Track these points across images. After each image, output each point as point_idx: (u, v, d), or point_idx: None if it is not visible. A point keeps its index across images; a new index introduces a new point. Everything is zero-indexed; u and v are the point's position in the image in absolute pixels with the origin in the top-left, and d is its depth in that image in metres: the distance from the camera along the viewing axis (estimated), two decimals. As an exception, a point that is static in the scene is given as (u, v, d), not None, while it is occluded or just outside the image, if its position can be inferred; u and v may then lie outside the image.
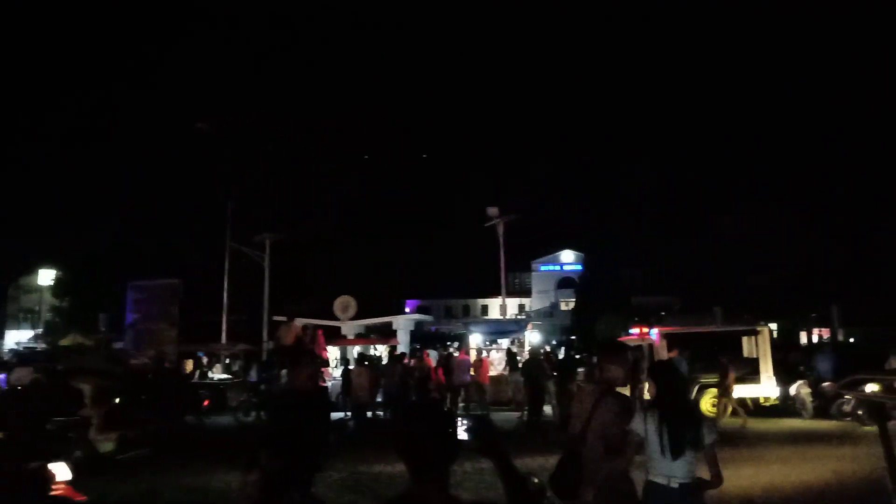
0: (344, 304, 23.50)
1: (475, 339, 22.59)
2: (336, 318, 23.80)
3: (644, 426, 4.10)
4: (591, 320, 34.23)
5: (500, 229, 24.98)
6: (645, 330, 17.45)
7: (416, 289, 56.56)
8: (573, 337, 27.30)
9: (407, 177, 66.50)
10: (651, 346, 17.02)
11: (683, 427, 4.06)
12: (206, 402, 18.18)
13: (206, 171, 28.02)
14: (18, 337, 41.70)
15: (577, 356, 21.28)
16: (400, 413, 2.47)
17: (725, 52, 60.08)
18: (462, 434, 2.35)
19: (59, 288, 39.50)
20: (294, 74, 65.35)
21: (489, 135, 76.35)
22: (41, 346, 32.79)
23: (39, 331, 41.60)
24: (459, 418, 2.42)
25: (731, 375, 14.81)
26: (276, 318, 23.35)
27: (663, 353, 16.64)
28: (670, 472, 4.01)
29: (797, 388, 16.08)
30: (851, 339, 28.34)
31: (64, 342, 33.46)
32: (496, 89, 77.71)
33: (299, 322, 19.89)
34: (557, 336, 35.03)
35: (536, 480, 3.06)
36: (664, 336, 16.87)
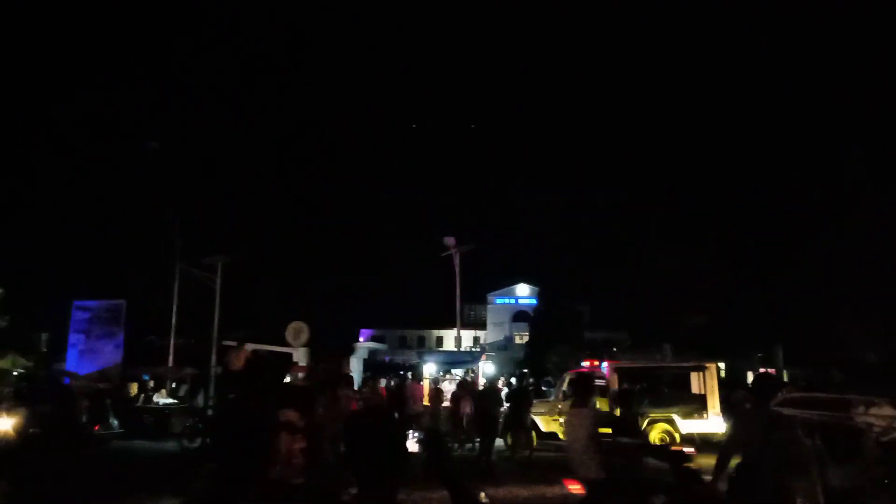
0: (296, 329, 23.14)
1: (429, 368, 22.49)
2: (288, 345, 23.40)
3: None
4: (544, 353, 34.47)
5: (456, 259, 25.08)
6: (596, 363, 17.70)
7: (370, 318, 56.16)
8: (525, 370, 27.45)
9: (364, 204, 66.51)
10: (601, 378, 17.23)
11: None
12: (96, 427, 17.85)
13: (155, 189, 27.52)
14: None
15: (531, 387, 21.36)
16: (346, 424, 2.45)
17: (672, 83, 62.11)
18: (413, 446, 2.36)
19: (-3, 306, 37.94)
20: (248, 91, 65.01)
21: (448, 166, 76.95)
22: (-25, 366, 31.33)
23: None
24: (410, 431, 2.43)
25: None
26: (225, 342, 22.87)
27: (613, 387, 16.91)
28: None
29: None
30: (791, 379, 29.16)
31: (2, 363, 32.08)
32: (456, 118, 78.71)
33: (250, 347, 19.56)
34: (511, 368, 35.12)
35: (485, 499, 3.07)
36: (615, 370, 17.15)
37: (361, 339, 50.96)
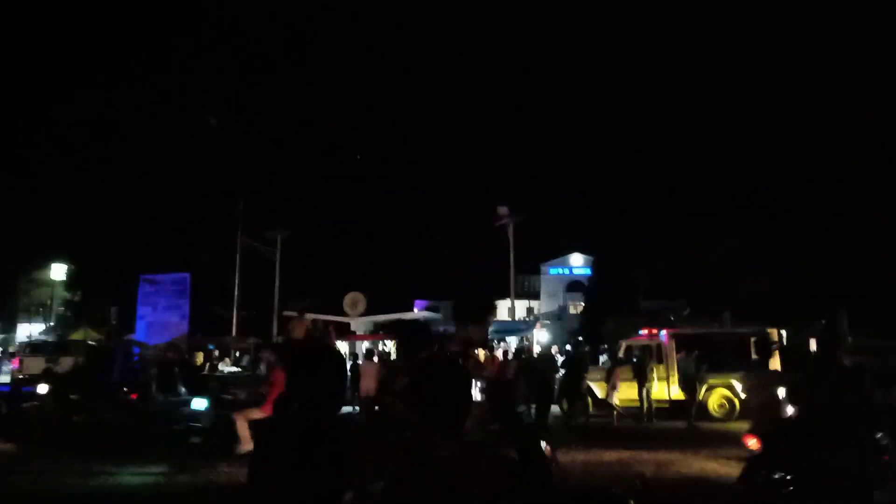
0: (353, 300, 23.62)
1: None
2: (345, 315, 23.93)
3: None
4: (599, 322, 34.22)
5: (510, 229, 25.03)
6: (654, 331, 17.51)
7: (424, 289, 56.63)
8: (580, 338, 27.37)
9: (418, 175, 66.75)
10: (659, 346, 17.08)
11: None
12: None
13: (217, 166, 28.26)
14: (30, 330, 42.09)
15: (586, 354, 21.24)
16: (417, 367, 2.56)
17: (730, 52, 59.94)
18: (476, 394, 2.46)
19: (70, 282, 39.86)
20: (304, 72, 65.68)
21: (501, 135, 76.39)
22: (52, 338, 33.09)
23: (51, 324, 41.98)
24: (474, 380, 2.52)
25: (618, 373, 15.74)
26: (286, 313, 23.53)
27: (672, 354, 16.76)
28: None
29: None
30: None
31: (75, 335, 33.82)
32: (509, 88, 77.81)
33: (310, 317, 20.09)
34: (565, 338, 35.03)
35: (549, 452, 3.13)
36: (672, 337, 16.95)
37: (416, 309, 51.50)
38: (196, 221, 31.96)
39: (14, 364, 23.84)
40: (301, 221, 26.46)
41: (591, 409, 16.30)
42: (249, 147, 25.25)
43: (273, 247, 25.36)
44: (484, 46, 74.72)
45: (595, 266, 51.07)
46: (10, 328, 50.92)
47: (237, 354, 23.87)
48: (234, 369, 22.31)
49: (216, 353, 23.42)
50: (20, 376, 21.33)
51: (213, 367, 22.25)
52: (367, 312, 24.96)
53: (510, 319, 27.82)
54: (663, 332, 17.05)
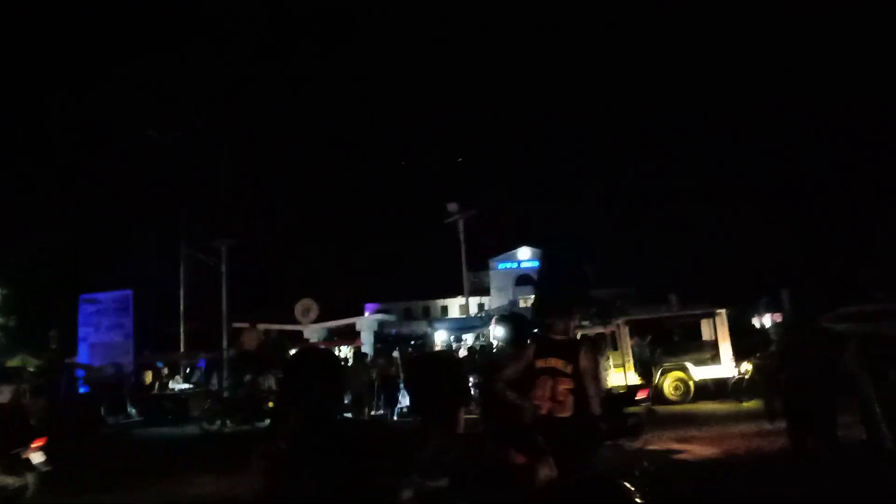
0: (305, 307, 23.26)
1: (440, 336, 22.63)
2: (298, 323, 23.54)
3: None
4: (552, 315, 34.60)
5: (461, 225, 25.08)
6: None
7: (373, 292, 56.30)
8: (535, 331, 27.61)
9: (363, 175, 66.17)
10: (613, 333, 17.37)
11: None
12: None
13: (155, 177, 27.39)
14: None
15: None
16: (411, 361, 2.60)
17: (674, 47, 61.53)
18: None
19: (5, 305, 38.02)
20: (247, 72, 64.26)
21: (445, 130, 76.42)
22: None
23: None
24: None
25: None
26: (236, 324, 23.01)
27: (626, 341, 17.07)
28: None
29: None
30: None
31: (12, 363, 32.24)
32: (454, 85, 77.91)
33: (262, 327, 19.73)
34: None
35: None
36: (626, 323, 17.27)
37: (366, 313, 51.16)
38: (136, 235, 30.91)
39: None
40: (247, 230, 25.90)
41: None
42: (190, 155, 24.60)
43: (217, 257, 24.73)
44: (425, 35, 74.59)
45: (543, 259, 51.71)
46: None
47: (188, 370, 23.21)
48: (186, 386, 21.67)
49: (165, 370, 22.71)
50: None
51: (164, 385, 21.58)
52: (319, 319, 24.63)
53: (465, 316, 27.87)
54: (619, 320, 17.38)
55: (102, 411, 19.43)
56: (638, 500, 2.51)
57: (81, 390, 20.34)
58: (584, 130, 66.69)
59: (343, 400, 2.44)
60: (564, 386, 4.34)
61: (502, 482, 2.15)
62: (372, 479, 2.09)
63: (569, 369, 4.38)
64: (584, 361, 4.41)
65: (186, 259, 24.20)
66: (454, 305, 58.62)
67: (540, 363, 4.48)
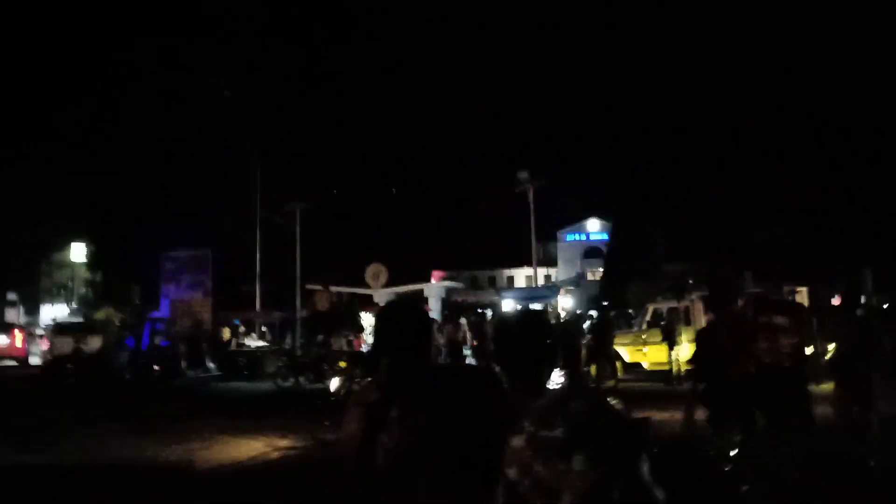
0: (375, 271, 23.57)
1: (507, 305, 22.61)
2: (367, 286, 23.91)
3: None
4: (619, 288, 34.06)
5: (531, 194, 24.82)
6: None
7: (440, 260, 56.59)
8: (605, 303, 27.26)
9: (434, 144, 66.29)
10: (687, 308, 16.98)
11: None
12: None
13: (234, 139, 28.15)
14: (53, 311, 42.55)
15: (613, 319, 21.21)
16: (497, 322, 2.62)
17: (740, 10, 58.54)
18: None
19: (91, 262, 40.17)
20: (319, 40, 65.10)
21: (514, 100, 75.54)
22: (77, 319, 33.43)
23: (74, 305, 42.43)
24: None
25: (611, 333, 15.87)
26: (308, 286, 23.60)
27: (700, 316, 16.65)
28: None
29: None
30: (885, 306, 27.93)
31: (98, 315, 34.14)
32: (521, 54, 76.69)
33: (333, 289, 20.18)
34: (586, 304, 34.96)
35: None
36: (700, 299, 16.83)
37: (433, 280, 51.60)
38: (215, 196, 32.00)
39: (44, 345, 24.18)
40: (320, 193, 26.39)
41: (620, 373, 16.29)
42: (265, 119, 25.13)
43: (292, 220, 25.32)
44: (497, 8, 73.50)
45: (613, 230, 50.71)
46: (34, 311, 51.60)
47: (263, 329, 24.02)
48: (261, 343, 22.46)
49: (241, 328, 23.56)
50: (50, 357, 21.75)
51: (240, 342, 22.42)
52: (388, 284, 24.96)
53: (533, 286, 27.74)
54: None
55: (183, 364, 20.36)
56: None
57: (162, 343, 21.31)
58: (653, 101, 64.50)
59: (431, 351, 2.48)
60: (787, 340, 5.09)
61: (623, 437, 2.12)
62: (477, 422, 2.10)
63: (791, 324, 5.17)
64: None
65: (262, 221, 24.86)
66: (520, 276, 58.38)
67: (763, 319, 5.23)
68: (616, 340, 16.81)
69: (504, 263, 59.78)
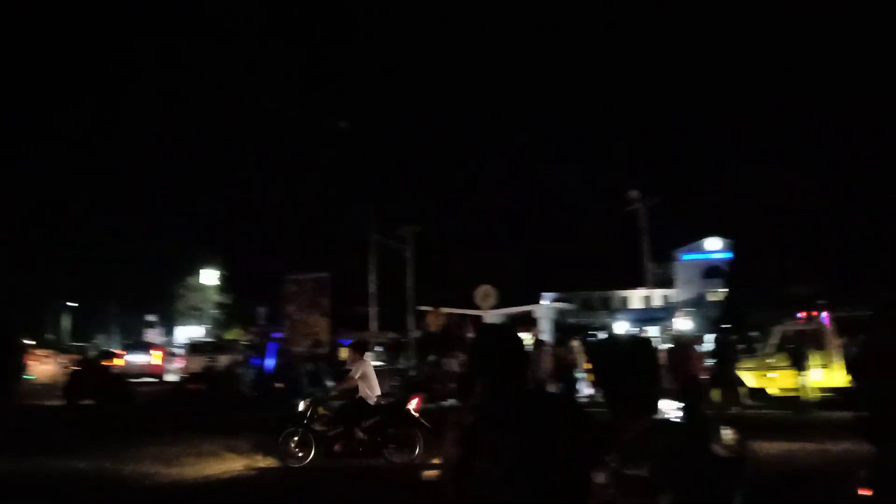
0: (485, 293, 23.65)
1: (621, 327, 22.04)
2: (477, 308, 24.05)
3: None
4: (742, 309, 32.37)
5: (642, 213, 24.18)
6: (815, 313, 16.29)
7: (550, 281, 56.04)
8: (727, 325, 25.97)
9: (543, 165, 66.00)
10: (817, 331, 15.89)
11: None
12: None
13: (349, 168, 29.33)
14: (188, 332, 45.70)
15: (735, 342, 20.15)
16: (597, 346, 2.59)
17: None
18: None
19: (222, 286, 42.90)
20: (428, 68, 66.81)
21: (628, 119, 73.99)
22: (209, 338, 35.76)
23: (208, 326, 45.38)
24: None
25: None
26: (420, 307, 24.07)
27: (832, 339, 15.52)
28: None
29: None
30: None
31: (228, 335, 36.34)
32: (631, 67, 75.23)
33: (444, 311, 20.48)
34: (705, 326, 33.44)
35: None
36: (834, 320, 15.72)
37: (543, 302, 51.15)
38: (332, 221, 33.46)
39: (179, 363, 26.11)
40: (431, 217, 26.94)
41: (744, 399, 15.45)
42: (378, 149, 26.02)
43: (404, 243, 25.96)
44: (600, 24, 72.69)
45: (735, 249, 48.30)
46: (170, 331, 55.67)
47: (378, 349, 24.67)
48: (377, 363, 23.04)
49: (357, 348, 24.31)
50: (185, 374, 23.56)
51: (356, 362, 23.09)
52: (497, 305, 24.99)
53: (648, 308, 26.91)
54: (824, 315, 15.83)
55: (304, 383, 21.25)
56: None
57: (285, 362, 22.35)
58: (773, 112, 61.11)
59: (526, 375, 2.47)
60: None
61: (714, 475, 2.04)
62: (564, 451, 2.08)
63: None
64: None
65: (376, 245, 25.66)
66: (635, 297, 56.75)
67: None
68: (739, 365, 16.00)
69: (618, 284, 58.26)
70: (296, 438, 9.29)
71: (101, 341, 50.59)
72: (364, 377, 9.38)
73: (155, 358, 28.33)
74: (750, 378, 16.16)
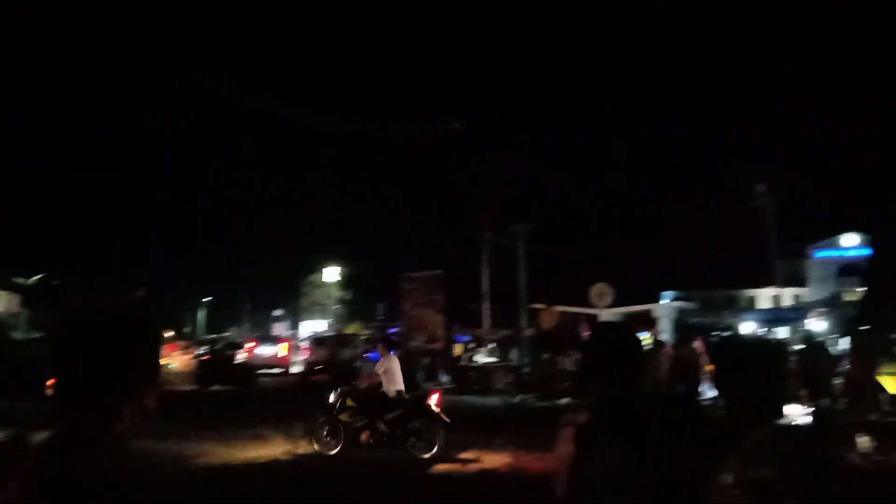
0: (600, 291, 23.29)
1: (747, 328, 21.03)
2: (592, 306, 23.72)
3: None
4: (883, 310, 29.90)
5: (769, 208, 22.92)
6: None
7: (670, 280, 54.03)
8: (865, 326, 24.05)
9: (661, 159, 63.91)
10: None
11: None
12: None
13: (461, 166, 29.73)
14: (312, 326, 48.05)
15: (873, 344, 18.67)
16: (592, 331, 2.57)
17: None
18: None
19: (343, 282, 44.75)
20: (535, 65, 66.32)
21: (752, 111, 70.12)
22: (331, 332, 37.42)
23: (330, 321, 47.51)
24: None
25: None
26: (533, 305, 24.06)
27: None
28: None
29: None
30: None
31: (348, 330, 37.84)
32: (753, 55, 71.14)
33: (558, 309, 20.38)
34: (840, 327, 31.14)
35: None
36: None
37: (663, 301, 49.35)
38: (445, 221, 34.11)
39: (305, 354, 27.62)
40: (544, 214, 26.83)
41: (885, 405, 14.33)
42: (489, 148, 26.25)
43: (516, 241, 26.01)
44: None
45: (874, 246, 44.65)
46: (296, 325, 58.70)
47: (491, 346, 24.93)
48: (490, 359, 23.33)
49: (471, 344, 24.69)
50: (308, 366, 24.93)
51: (470, 358, 23.50)
52: (614, 304, 24.52)
53: (777, 308, 25.46)
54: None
55: (419, 377, 21.82)
56: None
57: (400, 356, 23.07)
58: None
59: (641, 376, 2.44)
60: None
61: (840, 483, 1.99)
62: (679, 454, 2.05)
63: None
64: None
65: (488, 243, 25.88)
66: (762, 297, 53.70)
67: None
68: (879, 369, 14.86)
69: (743, 283, 55.30)
70: (327, 428, 9.82)
71: (233, 334, 54.20)
72: (388, 372, 9.75)
73: (282, 350, 30.02)
74: (891, 383, 14.99)
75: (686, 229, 53.38)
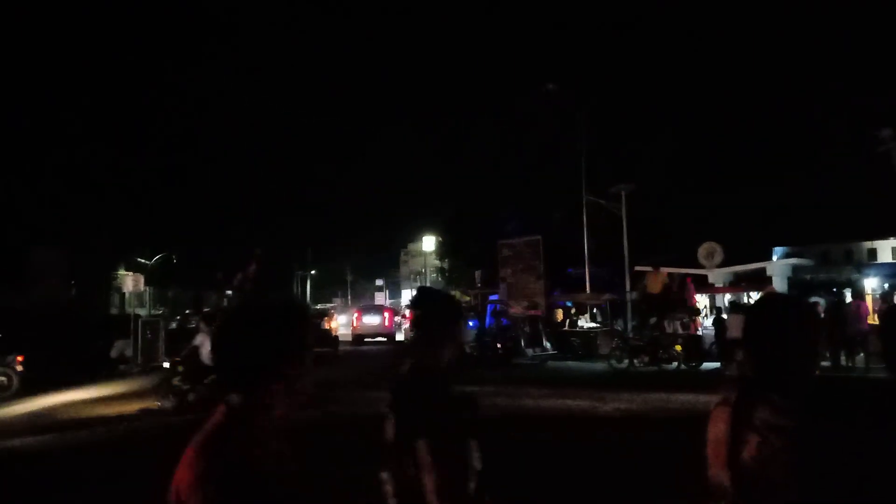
0: (709, 250, 22.33)
1: (871, 283, 19.63)
2: (701, 266, 22.80)
3: None
4: None
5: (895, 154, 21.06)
6: None
7: (783, 234, 51.20)
8: None
9: (766, 108, 60.26)
10: None
11: None
12: None
13: (559, 128, 29.09)
14: (411, 295, 49.00)
15: None
16: (763, 301, 2.21)
17: None
18: None
19: (440, 251, 45.17)
20: (638, 23, 63.61)
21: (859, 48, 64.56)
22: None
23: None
24: None
25: None
26: (637, 267, 23.37)
27: None
28: None
29: None
30: None
31: (450, 297, 38.15)
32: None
33: (664, 271, 19.69)
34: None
35: None
36: None
37: (774, 257, 46.88)
38: (544, 185, 33.63)
39: (406, 323, 28.18)
40: (646, 173, 25.88)
41: None
42: (589, 106, 25.48)
43: (618, 202, 25.26)
44: None
45: None
46: (396, 294, 60.02)
47: (594, 310, 24.51)
48: (594, 325, 22.96)
49: (573, 310, 24.37)
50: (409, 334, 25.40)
51: (573, 324, 23.21)
52: (724, 263, 23.45)
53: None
54: None
55: (522, 343, 21.80)
56: None
57: (503, 323, 23.06)
58: None
59: (818, 357, 2.09)
60: None
61: None
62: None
63: None
64: None
65: (589, 206, 25.28)
66: (885, 248, 50.03)
67: None
68: None
69: (863, 235, 51.72)
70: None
71: (337, 304, 56.05)
72: (203, 344, 11.23)
73: (386, 319, 30.83)
74: None
75: (799, 179, 50.25)
